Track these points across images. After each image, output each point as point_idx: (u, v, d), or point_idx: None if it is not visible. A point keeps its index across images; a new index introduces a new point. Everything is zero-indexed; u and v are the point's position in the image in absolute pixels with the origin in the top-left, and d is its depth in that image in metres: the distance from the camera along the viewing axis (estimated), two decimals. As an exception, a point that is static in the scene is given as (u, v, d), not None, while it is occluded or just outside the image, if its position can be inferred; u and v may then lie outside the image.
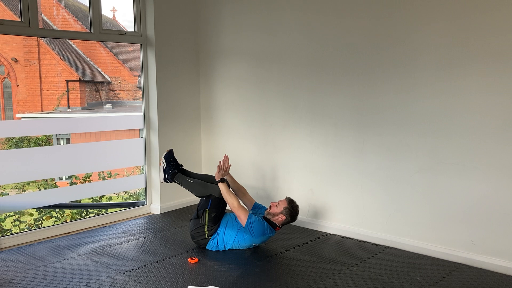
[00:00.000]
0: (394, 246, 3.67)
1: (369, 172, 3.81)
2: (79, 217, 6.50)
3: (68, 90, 12.19)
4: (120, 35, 4.53)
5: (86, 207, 6.68)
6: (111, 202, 7.01)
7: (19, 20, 3.77)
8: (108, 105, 12.46)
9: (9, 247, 3.74)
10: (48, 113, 11.91)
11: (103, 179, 7.17)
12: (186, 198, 4.81)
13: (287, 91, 4.30)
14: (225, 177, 3.67)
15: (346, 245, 3.74)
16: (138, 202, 4.92)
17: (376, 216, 3.80)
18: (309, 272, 3.20)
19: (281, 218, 3.51)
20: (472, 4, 3.16)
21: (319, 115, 4.09)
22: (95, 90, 12.86)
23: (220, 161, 3.66)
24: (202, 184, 3.71)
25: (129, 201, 7.15)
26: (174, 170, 3.84)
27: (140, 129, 4.81)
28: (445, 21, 3.29)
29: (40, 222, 6.47)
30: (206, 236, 3.60)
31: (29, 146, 8.96)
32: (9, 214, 6.59)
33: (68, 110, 11.95)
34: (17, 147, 8.86)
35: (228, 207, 3.66)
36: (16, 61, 12.07)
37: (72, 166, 4.33)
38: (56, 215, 6.67)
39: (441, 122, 3.38)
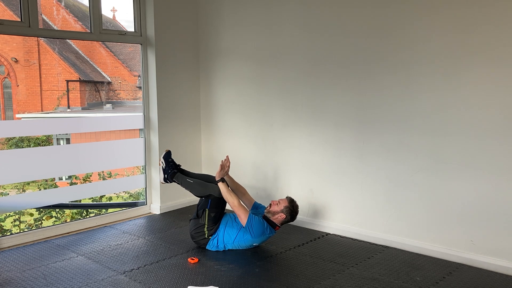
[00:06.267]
0: (394, 246, 3.67)
1: (369, 172, 3.81)
2: (79, 217, 6.49)
3: (68, 90, 12.19)
4: (120, 35, 4.53)
5: (86, 207, 6.67)
6: (111, 202, 7.00)
7: (19, 20, 3.77)
8: (108, 105, 12.45)
9: (9, 247, 3.75)
10: (48, 113, 11.91)
11: (103, 179, 7.16)
12: (186, 198, 4.81)
13: (287, 91, 4.30)
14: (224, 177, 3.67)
15: (346, 245, 3.74)
16: (138, 202, 4.92)
17: (376, 216, 3.80)
18: (309, 272, 3.20)
19: (281, 216, 3.51)
20: (473, 0, 3.16)
21: (319, 115, 4.09)
22: (95, 90, 12.86)
23: (222, 160, 3.67)
24: (202, 184, 3.71)
25: (129, 201, 7.15)
26: (173, 170, 3.84)
27: (140, 129, 4.81)
28: (446, 19, 3.29)
29: (40, 222, 6.47)
30: (206, 236, 3.60)
31: (29, 146, 8.96)
32: (9, 214, 6.58)
33: (68, 110, 11.95)
34: (17, 147, 8.85)
35: (228, 207, 3.66)
36: (16, 61, 12.06)
37: (72, 166, 4.33)
38: (56, 215, 6.67)
39: (441, 122, 3.38)
